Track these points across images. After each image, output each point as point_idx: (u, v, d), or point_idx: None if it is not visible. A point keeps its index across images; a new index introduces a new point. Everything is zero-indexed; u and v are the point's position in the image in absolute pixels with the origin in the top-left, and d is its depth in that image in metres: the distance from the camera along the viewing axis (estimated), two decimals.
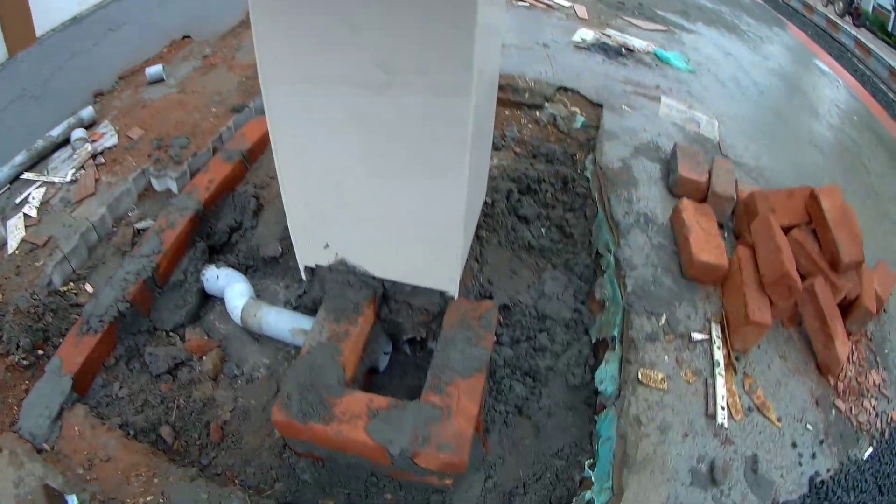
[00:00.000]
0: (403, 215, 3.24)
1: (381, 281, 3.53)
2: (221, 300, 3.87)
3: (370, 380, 3.74)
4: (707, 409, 3.52)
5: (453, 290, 3.49)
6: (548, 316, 3.87)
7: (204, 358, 3.71)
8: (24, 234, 4.23)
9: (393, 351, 3.83)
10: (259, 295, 3.90)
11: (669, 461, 3.31)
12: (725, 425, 3.48)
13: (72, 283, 4.11)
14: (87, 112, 4.83)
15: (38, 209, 4.37)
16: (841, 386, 4.03)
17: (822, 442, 3.60)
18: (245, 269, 4.05)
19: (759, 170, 5.27)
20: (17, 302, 3.80)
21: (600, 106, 5.07)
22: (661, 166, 4.65)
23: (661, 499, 3.22)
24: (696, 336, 3.80)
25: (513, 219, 4.23)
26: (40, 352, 3.74)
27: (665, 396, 3.53)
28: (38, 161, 4.74)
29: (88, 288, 4.07)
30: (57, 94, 4.86)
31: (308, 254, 3.55)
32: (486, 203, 4.13)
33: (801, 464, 3.48)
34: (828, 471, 3.52)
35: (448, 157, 2.93)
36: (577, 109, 5.06)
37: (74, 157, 4.62)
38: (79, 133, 4.70)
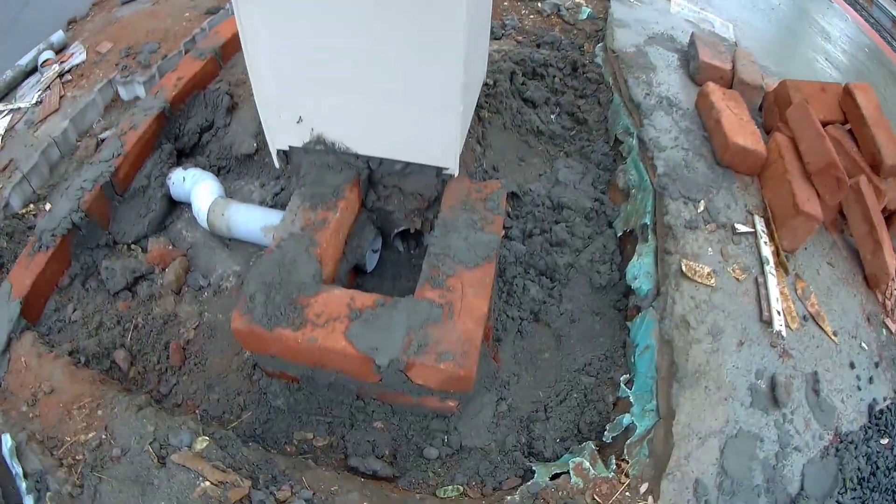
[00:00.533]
0: (390, 75, 2.19)
1: (367, 160, 2.46)
2: (190, 206, 2.84)
3: (356, 283, 2.69)
4: (762, 314, 2.47)
5: (452, 165, 2.42)
6: (564, 205, 2.79)
7: (166, 270, 2.69)
8: None
9: (383, 249, 2.76)
10: (232, 197, 2.84)
11: (725, 374, 2.28)
12: (784, 334, 2.43)
13: (31, 205, 3.11)
14: (58, 37, 3.78)
15: (3, 137, 3.37)
16: (889, 304, 2.99)
17: (877, 365, 2.62)
18: (217, 171, 3.01)
19: (780, 75, 4.13)
20: None
21: None
22: (678, 56, 3.53)
23: (719, 423, 2.21)
24: (741, 228, 2.72)
25: (518, 101, 3.15)
26: None
27: (714, 294, 2.47)
28: (7, 93, 3.73)
29: (48, 207, 3.07)
30: (28, 27, 3.86)
31: (279, 133, 2.49)
32: (486, 84, 3.05)
33: (859, 388, 2.52)
34: (884, 399, 2.55)
35: None
36: (582, 1, 3.97)
37: (42, 80, 3.61)
38: (46, 55, 3.66)
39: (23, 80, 3.74)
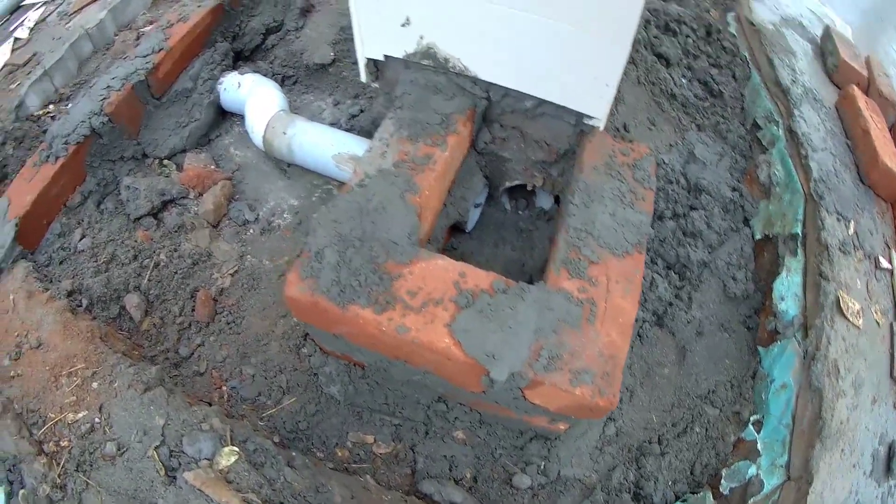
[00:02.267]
0: None
1: (487, 88, 1.51)
2: (243, 119, 1.88)
3: (450, 245, 1.74)
4: (892, 370, 1.67)
5: (601, 114, 1.48)
6: (703, 189, 1.86)
7: (203, 195, 1.74)
8: (7, 57, 2.28)
9: (486, 204, 1.81)
10: (297, 113, 1.85)
11: (859, 436, 1.56)
12: None
13: (51, 106, 2.13)
14: None
15: (32, 29, 2.37)
16: None
17: None
18: (281, 81, 2.04)
19: None
20: None
21: None
22: (812, 47, 2.55)
23: (844, 493, 1.48)
24: (884, 263, 1.87)
25: (651, 56, 2.18)
26: None
27: (860, 338, 1.64)
28: None
29: (70, 107, 2.10)
30: None
31: (374, 37, 1.52)
32: None
33: None
34: None
35: None
36: None
37: None
38: None
39: None
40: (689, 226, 1.80)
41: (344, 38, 1.97)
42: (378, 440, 1.46)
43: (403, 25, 1.47)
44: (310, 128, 1.69)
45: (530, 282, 1.67)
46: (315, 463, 1.34)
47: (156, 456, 1.18)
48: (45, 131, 2.02)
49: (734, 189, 1.93)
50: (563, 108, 1.49)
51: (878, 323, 1.76)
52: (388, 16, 1.47)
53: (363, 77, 1.60)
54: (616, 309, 1.30)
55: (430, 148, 1.40)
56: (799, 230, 1.83)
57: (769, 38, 2.32)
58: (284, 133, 1.68)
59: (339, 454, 1.43)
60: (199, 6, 1.97)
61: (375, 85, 1.62)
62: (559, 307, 1.25)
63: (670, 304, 1.73)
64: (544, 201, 1.79)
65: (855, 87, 2.35)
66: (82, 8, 2.37)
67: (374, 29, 1.52)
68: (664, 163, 1.87)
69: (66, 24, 2.38)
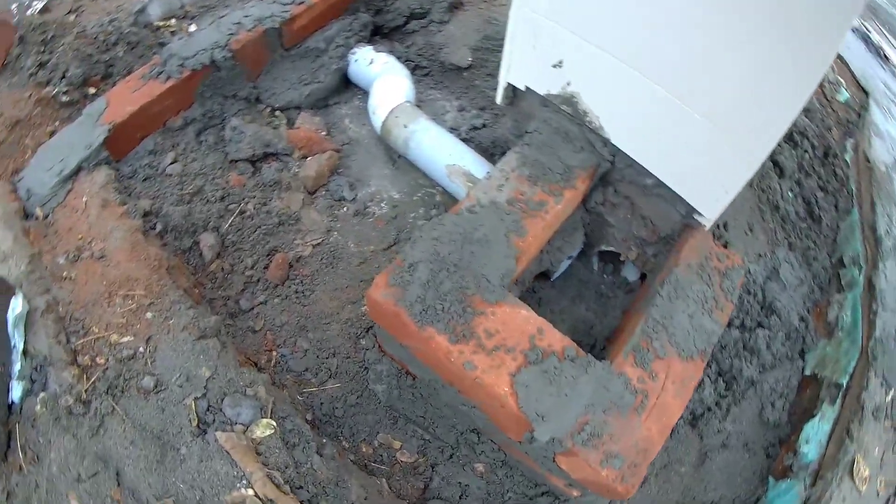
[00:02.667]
0: (712, 66, 1.26)
1: (614, 153, 1.52)
2: (365, 94, 1.90)
3: (532, 288, 1.75)
4: None
5: (711, 216, 1.49)
6: (775, 310, 1.86)
7: (308, 159, 1.77)
8: None
9: (576, 258, 1.79)
10: (420, 107, 1.89)
11: None
12: None
13: (173, 20, 2.16)
14: None
15: None
16: None
17: None
18: (412, 69, 2.03)
19: None
20: (85, 24, 1.94)
21: (866, 92, 2.92)
22: None
23: None
24: None
25: (769, 161, 2.17)
26: (92, 90, 1.87)
27: (858, 503, 1.66)
28: None
29: (192, 29, 2.13)
30: None
31: (521, 66, 1.54)
32: None
33: None
34: None
35: None
36: (843, 81, 2.91)
37: None
38: None
39: None
40: (751, 341, 1.81)
41: (485, 47, 1.98)
42: (404, 448, 1.50)
43: (555, 66, 1.48)
44: (432, 129, 1.71)
45: (594, 346, 1.69)
46: (339, 452, 1.38)
47: (193, 406, 1.22)
48: (161, 44, 2.06)
49: (802, 319, 1.92)
50: (675, 196, 1.50)
51: (877, 493, 1.78)
52: (543, 52, 1.48)
53: (499, 99, 1.61)
54: (664, 407, 1.32)
55: (546, 196, 1.41)
56: (845, 382, 1.83)
57: (878, 180, 2.29)
58: (406, 126, 1.70)
59: (364, 450, 1.48)
60: None
61: (507, 110, 1.63)
62: (615, 390, 1.28)
63: (709, 408, 1.75)
64: (631, 273, 1.81)
65: None
66: None
67: (525, 59, 1.53)
68: (748, 272, 1.87)
69: None
